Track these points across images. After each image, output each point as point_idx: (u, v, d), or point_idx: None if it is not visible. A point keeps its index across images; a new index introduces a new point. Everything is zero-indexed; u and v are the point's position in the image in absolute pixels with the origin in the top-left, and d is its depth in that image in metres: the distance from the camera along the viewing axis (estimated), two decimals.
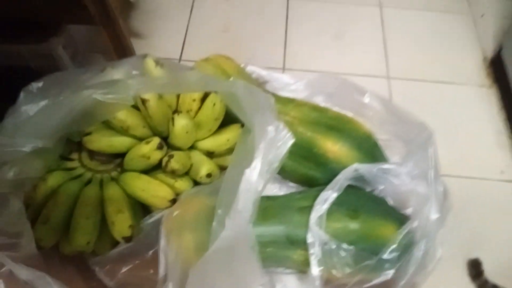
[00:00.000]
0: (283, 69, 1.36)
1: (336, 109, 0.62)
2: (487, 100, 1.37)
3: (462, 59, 1.45)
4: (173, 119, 0.53)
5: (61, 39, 1.06)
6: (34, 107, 0.52)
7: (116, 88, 0.46)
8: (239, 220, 0.34)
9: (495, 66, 1.43)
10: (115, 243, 0.56)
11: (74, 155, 0.59)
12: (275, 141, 0.37)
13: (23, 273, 0.48)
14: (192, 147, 0.59)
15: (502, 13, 1.57)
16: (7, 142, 0.50)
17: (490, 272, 0.93)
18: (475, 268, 0.86)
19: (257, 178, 0.35)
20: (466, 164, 1.25)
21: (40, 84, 0.54)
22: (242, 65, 0.66)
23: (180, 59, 1.31)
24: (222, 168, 0.61)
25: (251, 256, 0.35)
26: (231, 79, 0.46)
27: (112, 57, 1.16)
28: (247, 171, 0.35)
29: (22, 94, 0.53)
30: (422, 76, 1.42)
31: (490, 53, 1.49)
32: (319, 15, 1.54)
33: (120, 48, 1.08)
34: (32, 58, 1.01)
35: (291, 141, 0.39)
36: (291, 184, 0.63)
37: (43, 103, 0.52)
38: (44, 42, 1.02)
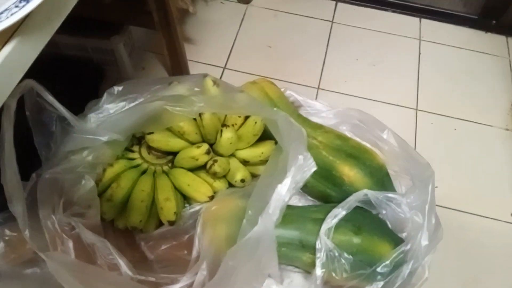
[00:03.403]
0: (318, 88, 1.47)
1: (357, 139, 0.74)
2: (509, 144, 1.43)
3: (491, 101, 1.51)
4: (221, 131, 0.66)
5: (122, 38, 1.17)
6: (114, 107, 0.67)
7: (183, 102, 0.59)
8: (268, 220, 0.47)
9: None
10: (159, 225, 0.70)
11: (135, 148, 0.73)
12: (302, 166, 0.51)
13: (89, 237, 0.62)
14: (232, 155, 0.72)
15: None
16: (90, 131, 0.64)
17: None
18: None
19: (285, 192, 0.49)
20: (478, 202, 1.33)
21: (120, 88, 0.68)
22: (282, 89, 0.78)
23: (224, 67, 1.44)
24: (254, 176, 0.74)
25: (272, 248, 0.48)
26: (275, 109, 0.59)
27: (164, 57, 1.30)
28: (279, 186, 0.49)
29: (105, 95, 0.68)
30: (450, 112, 1.49)
31: None
32: (359, 41, 1.64)
33: (173, 51, 1.21)
34: (95, 51, 1.14)
35: (314, 168, 0.52)
36: (310, 198, 0.76)
37: (121, 104, 0.66)
38: (108, 39, 1.13)
